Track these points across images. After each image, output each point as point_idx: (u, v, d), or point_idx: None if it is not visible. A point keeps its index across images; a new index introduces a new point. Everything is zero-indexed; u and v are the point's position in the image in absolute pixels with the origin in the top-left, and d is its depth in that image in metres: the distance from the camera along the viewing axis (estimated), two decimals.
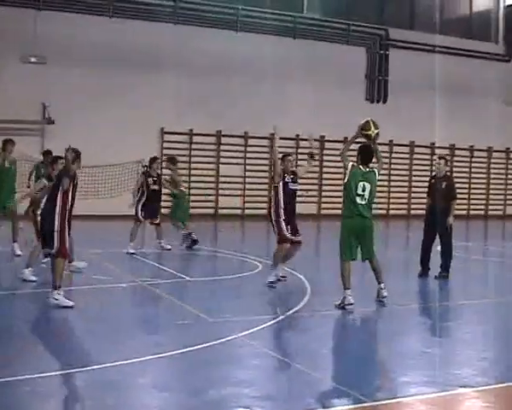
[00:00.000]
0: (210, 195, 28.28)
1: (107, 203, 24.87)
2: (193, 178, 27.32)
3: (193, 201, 24.72)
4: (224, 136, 28.38)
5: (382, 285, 11.31)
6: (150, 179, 17.12)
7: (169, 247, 16.94)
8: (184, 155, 27.18)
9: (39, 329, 9.81)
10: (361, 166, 11.01)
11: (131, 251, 16.18)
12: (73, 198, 10.70)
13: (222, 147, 28.47)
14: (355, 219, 10.99)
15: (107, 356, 8.03)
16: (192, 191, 26.15)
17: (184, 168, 26.38)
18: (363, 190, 10.90)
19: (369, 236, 11.15)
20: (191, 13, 27.72)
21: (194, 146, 27.86)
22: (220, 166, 28.52)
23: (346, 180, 10.99)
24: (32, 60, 25.56)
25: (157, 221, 17.11)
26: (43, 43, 25.11)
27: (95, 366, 7.63)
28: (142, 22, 26.70)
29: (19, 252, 14.74)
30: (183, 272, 14.04)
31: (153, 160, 17.59)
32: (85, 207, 23.18)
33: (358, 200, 10.89)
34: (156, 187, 17.22)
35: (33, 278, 12.12)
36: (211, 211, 28.27)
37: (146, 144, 25.87)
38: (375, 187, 11.06)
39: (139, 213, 16.88)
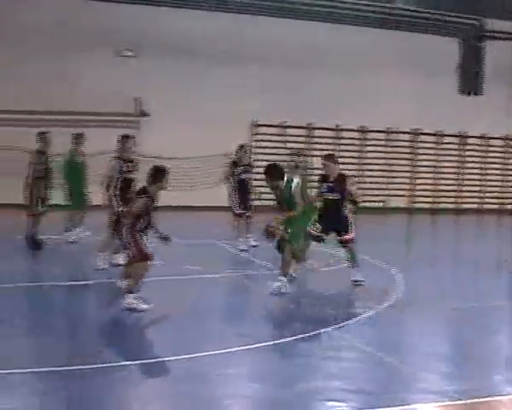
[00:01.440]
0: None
1: (199, 195, 25.17)
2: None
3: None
4: (315, 128, 28.27)
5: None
6: (238, 169, 16.69)
7: (255, 243, 16.04)
8: (276, 148, 27.19)
9: (128, 318, 9.91)
10: None
11: (243, 247, 15.75)
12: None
13: (313, 139, 28.34)
14: None
15: (198, 346, 8.11)
16: None
17: (274, 161, 26.36)
18: None
19: None
20: (277, 5, 27.48)
21: (285, 138, 27.80)
22: (312, 158, 28.39)
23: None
24: (126, 54, 25.99)
25: (248, 213, 16.52)
26: (136, 37, 25.49)
27: (185, 356, 7.71)
28: (230, 14, 26.71)
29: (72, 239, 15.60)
30: (275, 264, 14.01)
31: (240, 148, 17.13)
32: (177, 198, 23.68)
33: None
34: (246, 176, 16.72)
35: None
36: None
37: (237, 137, 26.01)
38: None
39: (236, 207, 16.47)
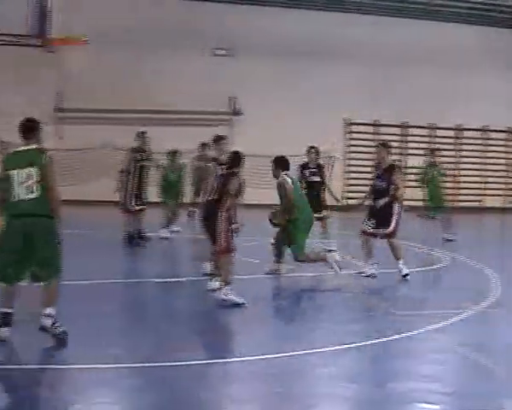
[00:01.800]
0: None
1: None
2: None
3: None
4: (409, 127, 27.93)
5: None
6: (307, 171, 15.30)
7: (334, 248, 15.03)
8: (368, 147, 27.01)
9: (223, 315, 10.00)
10: None
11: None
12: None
13: (408, 138, 27.99)
14: None
15: (295, 344, 8.13)
16: None
17: (368, 159, 26.26)
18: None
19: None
20: (377, 2, 27.31)
21: (378, 137, 27.55)
22: (405, 157, 28.09)
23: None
24: (221, 53, 26.31)
25: (321, 215, 15.00)
26: (232, 35, 25.78)
27: (281, 354, 7.73)
28: (329, 13, 26.67)
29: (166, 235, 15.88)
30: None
31: (309, 149, 15.63)
32: (265, 196, 23.78)
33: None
34: (315, 178, 15.30)
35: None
36: None
37: (330, 135, 26.03)
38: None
39: None
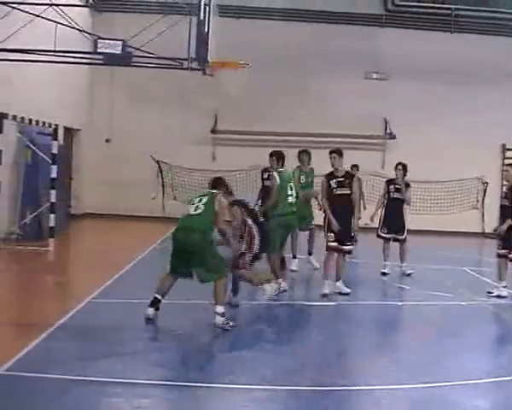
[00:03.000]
0: None
1: (447, 220, 24.77)
2: None
3: None
4: None
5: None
6: (392, 187, 15.27)
7: (410, 271, 14.89)
8: None
9: (371, 342, 9.87)
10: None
11: (408, 271, 14.82)
12: None
13: None
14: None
15: (444, 374, 7.95)
16: None
17: None
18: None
19: None
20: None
21: None
22: None
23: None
24: (375, 76, 26.25)
25: (402, 237, 15.03)
26: (385, 59, 25.66)
27: (431, 384, 7.57)
28: (480, 36, 26.09)
29: (317, 265, 14.78)
30: None
31: (396, 165, 15.61)
32: (427, 222, 23.56)
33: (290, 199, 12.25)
34: (398, 196, 15.12)
35: (347, 290, 12.35)
36: None
37: (486, 160, 25.35)
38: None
39: (379, 229, 15.24)
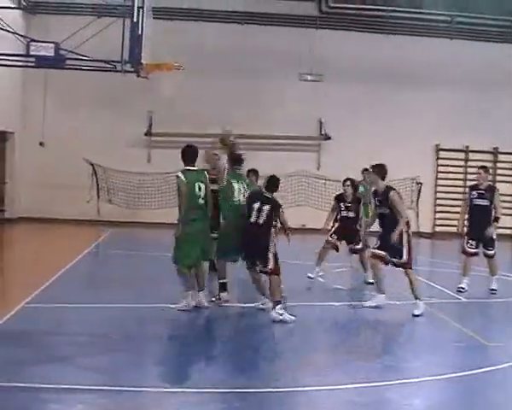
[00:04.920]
0: None
1: None
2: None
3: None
4: (500, 153, 27.28)
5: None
6: (342, 204, 14.38)
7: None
8: (459, 173, 26.69)
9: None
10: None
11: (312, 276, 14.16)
12: None
13: (498, 164, 27.36)
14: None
15: (384, 375, 8.07)
16: None
17: (459, 186, 25.94)
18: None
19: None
20: (466, 27, 26.98)
21: (469, 163, 27.06)
22: (497, 184, 27.47)
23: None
24: (309, 78, 26.45)
25: (358, 247, 14.19)
26: (320, 61, 25.87)
27: (368, 384, 7.68)
28: (413, 37, 26.51)
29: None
30: (457, 292, 13.64)
31: (344, 181, 14.85)
32: None
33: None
34: (350, 214, 14.28)
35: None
36: None
37: (420, 161, 25.79)
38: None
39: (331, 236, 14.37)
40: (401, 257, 11.29)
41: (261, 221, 10.69)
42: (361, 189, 17.54)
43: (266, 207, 10.69)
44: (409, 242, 11.37)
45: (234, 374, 7.97)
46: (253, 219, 10.74)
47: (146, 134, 25.67)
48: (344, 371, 8.22)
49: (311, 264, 14.31)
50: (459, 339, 10.03)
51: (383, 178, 11.89)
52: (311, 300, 12.60)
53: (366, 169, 18.02)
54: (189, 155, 11.60)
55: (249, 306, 11.56)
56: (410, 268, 11.39)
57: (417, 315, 11.23)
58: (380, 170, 12.03)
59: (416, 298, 11.40)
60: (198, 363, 8.47)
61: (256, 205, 10.76)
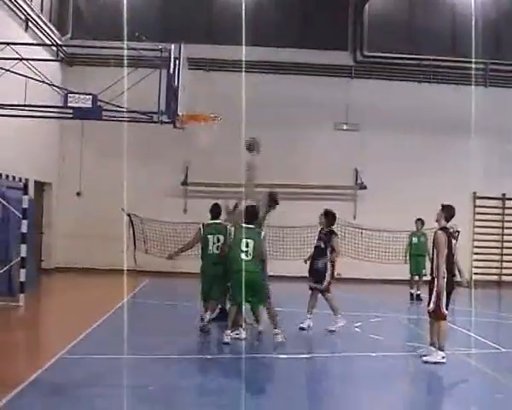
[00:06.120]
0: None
1: None
2: (506, 245, 26.49)
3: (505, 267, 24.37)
4: None
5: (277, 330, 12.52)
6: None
7: (339, 325, 14.07)
8: (497, 221, 26.44)
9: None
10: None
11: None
12: None
13: None
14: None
15: None
16: (504, 258, 25.76)
17: (497, 234, 25.76)
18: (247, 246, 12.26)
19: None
20: (503, 75, 26.93)
21: (507, 211, 26.80)
22: None
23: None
24: (345, 127, 26.53)
25: (320, 286, 14.17)
26: (355, 110, 25.97)
27: None
28: (449, 86, 26.49)
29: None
30: (497, 342, 13.40)
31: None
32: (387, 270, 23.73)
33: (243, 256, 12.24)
34: (320, 244, 14.41)
35: None
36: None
37: (457, 210, 25.47)
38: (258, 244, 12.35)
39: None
40: None
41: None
42: (414, 239, 18.05)
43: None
44: None
45: None
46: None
47: (182, 184, 25.83)
48: None
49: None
50: (499, 391, 9.82)
51: (447, 219, 11.88)
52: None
53: (419, 219, 18.43)
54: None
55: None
56: None
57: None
58: (448, 210, 12.01)
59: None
60: None
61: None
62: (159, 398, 8.79)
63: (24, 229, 16.32)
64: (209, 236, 13.27)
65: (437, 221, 11.91)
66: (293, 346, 12.45)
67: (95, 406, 8.34)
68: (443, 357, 11.02)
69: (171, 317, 15.77)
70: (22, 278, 16.33)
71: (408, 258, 20.27)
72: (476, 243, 26.64)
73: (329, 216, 14.54)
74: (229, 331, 12.24)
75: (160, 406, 8.52)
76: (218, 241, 13.14)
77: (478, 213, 26.47)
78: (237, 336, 12.53)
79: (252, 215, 12.63)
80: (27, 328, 14.13)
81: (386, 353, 12.09)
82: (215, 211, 13.68)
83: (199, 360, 11.27)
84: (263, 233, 12.70)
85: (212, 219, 13.55)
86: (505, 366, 11.73)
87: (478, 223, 26.40)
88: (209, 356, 11.08)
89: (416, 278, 19.90)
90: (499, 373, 10.78)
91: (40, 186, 23.94)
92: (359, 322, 14.85)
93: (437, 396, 9.93)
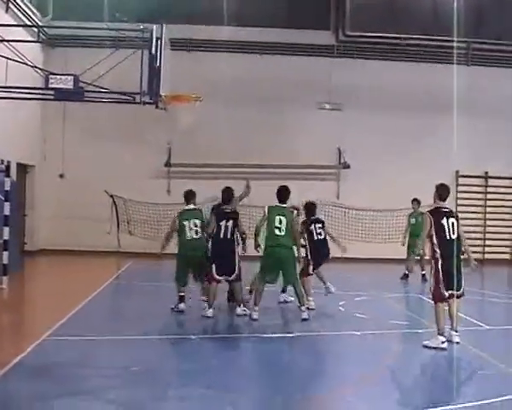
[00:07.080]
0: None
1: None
2: (488, 223, 26.63)
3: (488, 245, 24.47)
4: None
5: (303, 308, 12.86)
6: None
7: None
8: (479, 199, 26.56)
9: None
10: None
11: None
12: None
13: None
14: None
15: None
16: (487, 236, 25.89)
17: (480, 213, 25.91)
18: (280, 223, 12.84)
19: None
20: (483, 53, 26.96)
21: (489, 189, 26.95)
22: None
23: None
24: (328, 107, 26.51)
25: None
26: (338, 89, 25.95)
27: None
28: (431, 65, 26.51)
29: None
30: (481, 320, 13.49)
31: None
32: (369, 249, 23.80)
33: (277, 232, 12.81)
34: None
35: None
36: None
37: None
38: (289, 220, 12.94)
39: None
40: None
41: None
42: (412, 220, 18.08)
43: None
44: None
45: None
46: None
47: (165, 165, 25.76)
48: None
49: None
50: (482, 367, 9.90)
51: (440, 199, 12.13)
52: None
53: (415, 199, 18.47)
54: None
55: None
56: None
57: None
58: (440, 189, 12.30)
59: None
60: (217, 397, 8.37)
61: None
62: (143, 379, 8.80)
63: (6, 211, 16.25)
64: (185, 222, 13.57)
65: (434, 202, 11.93)
66: (276, 326, 12.56)
67: (79, 387, 8.35)
68: (443, 342, 10.82)
69: (155, 298, 15.77)
70: (5, 261, 16.28)
71: (406, 239, 19.89)
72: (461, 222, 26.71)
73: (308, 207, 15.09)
74: (241, 307, 13.20)
75: (144, 386, 8.52)
76: (196, 226, 13.49)
77: (460, 192, 26.54)
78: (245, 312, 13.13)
79: (285, 195, 13.19)
80: (11, 311, 14.10)
81: (371, 331, 12.17)
82: (189, 196, 14.11)
83: (182, 339, 11.30)
84: (295, 212, 13.60)
85: (186, 205, 13.98)
86: (488, 342, 11.82)
87: (460, 201, 26.43)
88: (193, 336, 11.10)
89: (417, 258, 19.41)
90: (482, 350, 10.85)
91: (23, 169, 23.81)
92: (343, 301, 14.92)
93: (420, 372, 9.98)
